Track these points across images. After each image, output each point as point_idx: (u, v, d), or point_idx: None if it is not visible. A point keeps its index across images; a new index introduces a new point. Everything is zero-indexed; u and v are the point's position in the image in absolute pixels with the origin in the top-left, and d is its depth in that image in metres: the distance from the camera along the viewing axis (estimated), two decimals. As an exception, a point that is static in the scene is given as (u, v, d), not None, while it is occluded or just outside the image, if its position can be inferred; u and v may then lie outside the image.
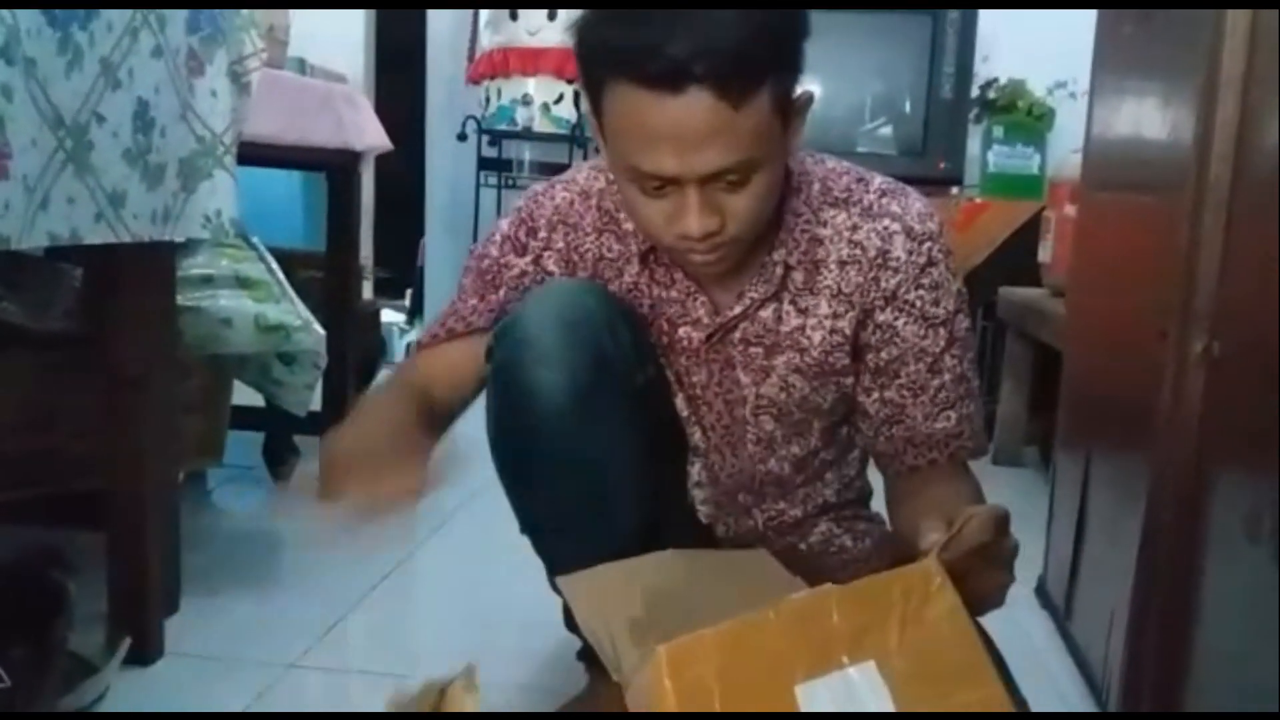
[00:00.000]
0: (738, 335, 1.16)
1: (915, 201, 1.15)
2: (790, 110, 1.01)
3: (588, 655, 1.36)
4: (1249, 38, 1.20)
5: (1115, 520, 1.49)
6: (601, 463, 1.10)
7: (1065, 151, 2.93)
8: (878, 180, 1.16)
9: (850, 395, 1.18)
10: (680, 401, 1.21)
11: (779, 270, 1.12)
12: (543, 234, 1.18)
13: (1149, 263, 1.42)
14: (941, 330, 1.14)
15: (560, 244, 1.18)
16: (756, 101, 0.94)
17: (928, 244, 1.12)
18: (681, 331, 1.16)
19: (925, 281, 1.13)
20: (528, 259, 1.18)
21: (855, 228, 1.13)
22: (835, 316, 1.14)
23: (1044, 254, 2.70)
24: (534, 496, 1.16)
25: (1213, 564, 1.18)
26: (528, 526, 1.20)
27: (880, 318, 1.13)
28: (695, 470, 1.27)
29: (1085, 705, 1.50)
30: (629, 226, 1.15)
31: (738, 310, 1.14)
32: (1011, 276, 2.93)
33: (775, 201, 1.07)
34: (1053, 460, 1.98)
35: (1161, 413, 1.29)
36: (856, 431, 1.23)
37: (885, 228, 1.12)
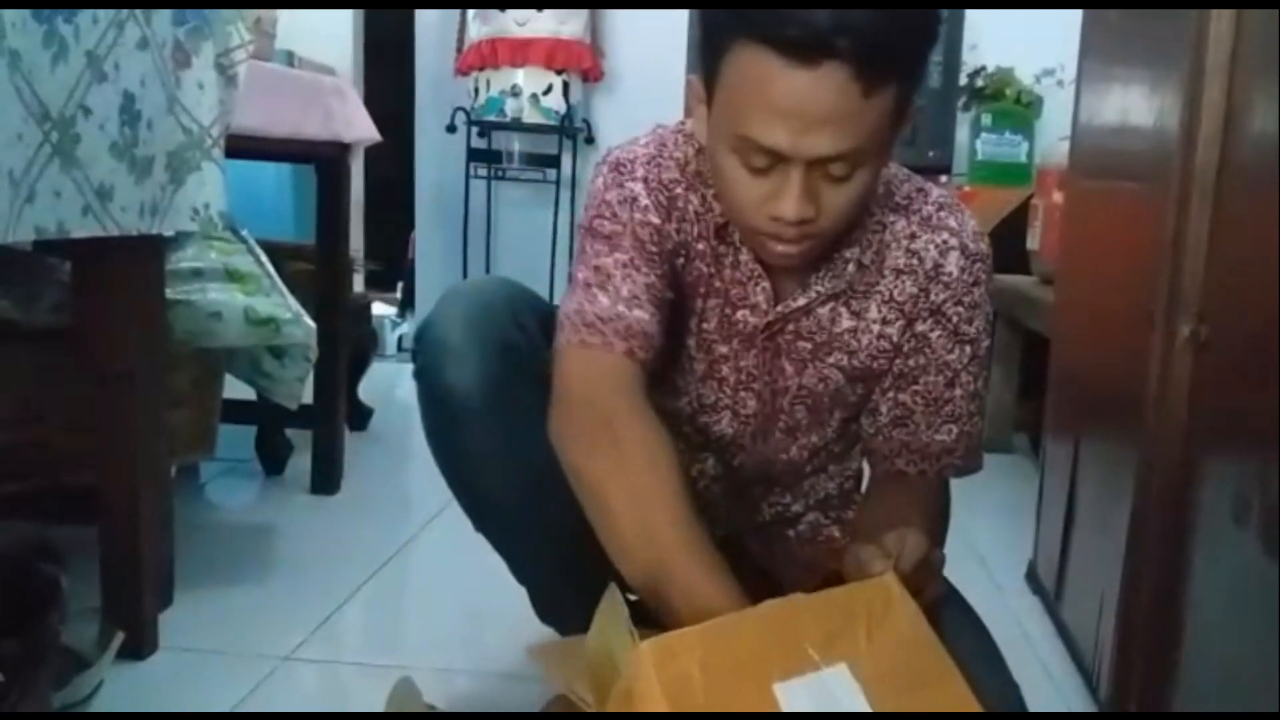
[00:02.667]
0: (791, 327, 1.14)
1: (970, 219, 1.15)
2: (905, 116, 0.97)
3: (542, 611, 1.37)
4: (1234, 24, 1.20)
5: (1104, 505, 1.50)
6: (526, 449, 1.10)
7: (1053, 139, 2.94)
8: (935, 192, 1.16)
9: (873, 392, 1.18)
10: (712, 385, 1.18)
11: (849, 268, 1.11)
12: (680, 204, 1.10)
13: (1137, 249, 1.43)
14: (967, 348, 1.14)
15: (686, 208, 1.10)
16: (885, 94, 0.91)
17: (979, 264, 1.13)
18: (740, 315, 1.13)
19: (967, 300, 1.13)
20: (673, 227, 1.10)
21: (914, 237, 1.12)
22: (885, 323, 1.13)
23: (1032, 241, 2.70)
24: (471, 493, 1.19)
25: (1201, 548, 1.19)
26: (477, 523, 1.23)
27: (919, 328, 1.13)
28: (709, 465, 1.27)
29: (1076, 688, 1.51)
30: (694, 205, 1.11)
31: (802, 302, 1.11)
32: (1000, 264, 2.90)
33: (867, 203, 1.05)
34: (1042, 446, 1.99)
35: (1149, 398, 1.30)
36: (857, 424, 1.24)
37: (944, 241, 1.12)
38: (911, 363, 1.15)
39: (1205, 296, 1.23)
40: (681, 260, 1.12)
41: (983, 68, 3.37)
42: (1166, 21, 1.38)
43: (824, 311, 1.13)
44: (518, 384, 1.10)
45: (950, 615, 1.15)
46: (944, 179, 3.22)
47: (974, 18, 3.27)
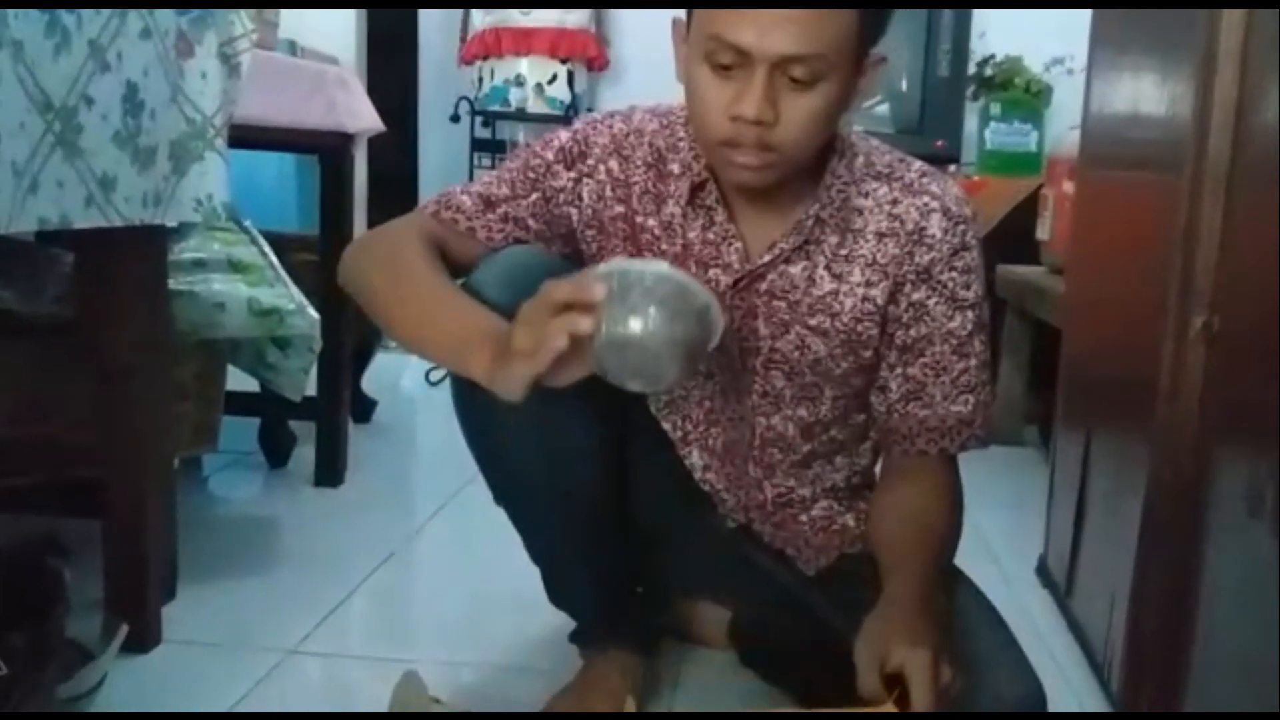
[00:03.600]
0: (764, 286, 1.18)
1: (952, 187, 1.19)
2: (865, 53, 1.05)
3: (580, 637, 1.36)
4: (1246, 13, 1.19)
5: (1116, 497, 1.49)
6: (553, 416, 1.12)
7: (1062, 128, 2.92)
8: (918, 163, 1.20)
9: (867, 369, 1.20)
10: None
11: (809, 223, 1.15)
12: (592, 160, 1.20)
13: (1148, 239, 1.42)
14: (970, 314, 1.18)
15: (603, 174, 1.20)
16: (846, 10, 1.00)
17: (962, 227, 1.16)
18: (711, 273, 1.18)
19: (958, 264, 1.17)
20: (571, 175, 1.20)
21: (895, 201, 1.16)
22: (868, 285, 1.16)
23: (1042, 231, 2.69)
24: (496, 461, 1.20)
25: (1214, 540, 1.18)
26: (498, 494, 1.24)
27: (913, 295, 1.17)
28: (695, 457, 1.27)
29: (1087, 683, 1.50)
30: (674, 168, 1.19)
31: (766, 259, 1.16)
32: (1009, 254, 2.92)
33: (826, 134, 1.09)
34: (1052, 438, 1.98)
35: (1162, 389, 1.29)
36: (870, 411, 1.24)
37: (925, 204, 1.16)
38: (914, 332, 1.17)
39: (1217, 288, 1.22)
40: (653, 223, 1.19)
41: (991, 56, 3.35)
42: (1178, 10, 1.37)
43: (796, 271, 1.17)
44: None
45: (970, 612, 1.15)
46: (952, 168, 3.20)
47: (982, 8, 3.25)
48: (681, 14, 1.11)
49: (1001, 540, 2.05)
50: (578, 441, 1.16)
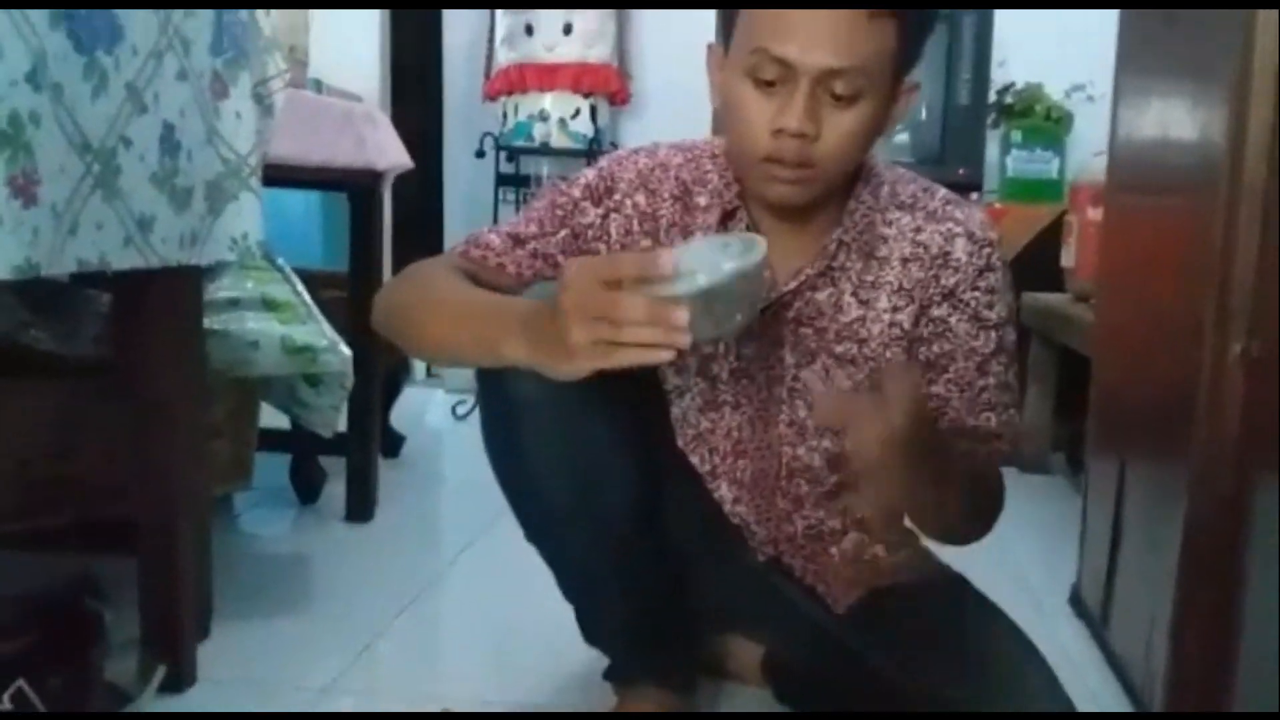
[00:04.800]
0: (791, 314, 1.19)
1: (977, 213, 1.21)
2: (901, 77, 1.08)
3: (614, 674, 1.36)
4: None
5: (1153, 526, 1.47)
6: (586, 452, 1.13)
7: (1084, 155, 2.92)
8: (943, 191, 1.22)
9: None
10: (705, 387, 1.24)
11: (833, 248, 1.17)
12: (618, 195, 1.22)
13: (1181, 263, 1.41)
14: (993, 334, 1.19)
15: (630, 209, 1.21)
16: (885, 24, 1.02)
17: (987, 249, 1.18)
18: None
19: (982, 284, 1.18)
20: (599, 211, 1.22)
21: (919, 229, 1.18)
22: (895, 310, 1.18)
23: (1066, 259, 2.67)
24: (526, 495, 1.20)
25: (1255, 568, 1.17)
26: (529, 532, 1.23)
27: (935, 313, 1.18)
28: (724, 490, 1.27)
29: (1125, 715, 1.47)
30: (700, 200, 1.21)
31: (792, 285, 1.18)
32: (1033, 281, 2.91)
33: (861, 154, 1.12)
34: (1085, 467, 1.96)
35: (1200, 415, 1.27)
36: None
37: (949, 230, 1.18)
38: (936, 349, 1.19)
39: (1256, 312, 1.21)
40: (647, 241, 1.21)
41: (1011, 84, 3.35)
42: (1208, 33, 1.37)
43: (822, 298, 1.19)
44: (582, 385, 1.09)
45: (1005, 642, 1.14)
46: (974, 196, 3.19)
47: (1002, 35, 3.25)
48: (714, 39, 1.14)
49: (1033, 570, 2.03)
50: (613, 479, 1.16)
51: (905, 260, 1.18)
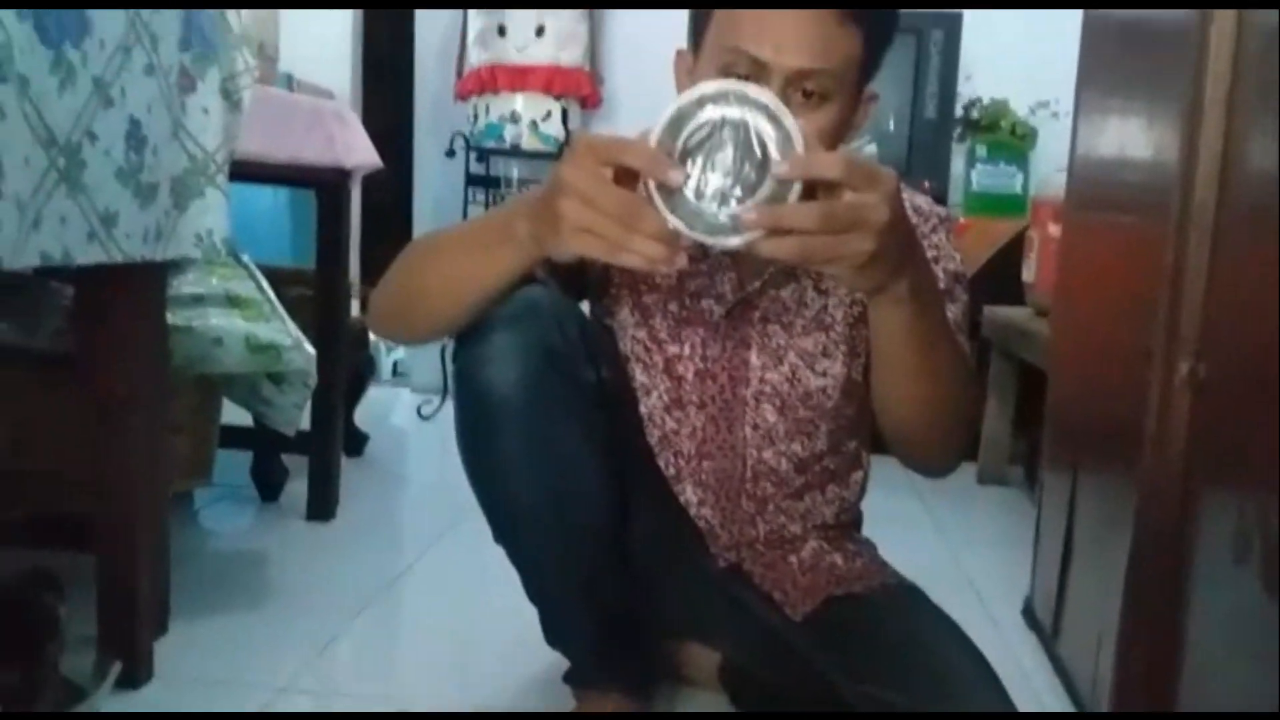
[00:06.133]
0: (758, 314, 1.22)
1: (922, 197, 1.27)
2: (865, 83, 1.12)
3: (575, 677, 1.37)
4: (1233, 60, 1.21)
5: (1103, 541, 1.50)
6: (558, 453, 1.13)
7: (1048, 171, 2.96)
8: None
9: (859, 389, 1.23)
10: (669, 386, 1.26)
11: None
12: None
13: (1134, 283, 1.43)
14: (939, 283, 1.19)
15: None
16: (853, 31, 1.06)
17: (933, 220, 1.25)
18: (704, 303, 1.23)
19: (931, 241, 1.22)
20: None
21: None
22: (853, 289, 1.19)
23: (1028, 273, 2.71)
24: (497, 495, 1.19)
25: (1200, 585, 1.19)
26: (498, 531, 1.22)
27: None
28: (689, 492, 1.28)
29: (1074, 725, 1.50)
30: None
31: (757, 284, 1.21)
32: (994, 295, 2.95)
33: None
34: (1039, 480, 1.99)
35: (1148, 434, 1.30)
36: (859, 435, 1.29)
37: None
38: None
39: (1204, 334, 1.24)
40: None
41: (978, 100, 3.39)
42: (1163, 55, 1.40)
43: (787, 294, 1.22)
44: (557, 387, 1.11)
45: (951, 648, 1.16)
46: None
47: (969, 51, 3.29)
48: (684, 45, 1.15)
49: (987, 581, 2.06)
50: (583, 481, 1.16)
51: None
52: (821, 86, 1.06)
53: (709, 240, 0.90)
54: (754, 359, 1.22)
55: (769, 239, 0.88)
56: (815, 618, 1.28)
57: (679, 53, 1.17)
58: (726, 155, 0.89)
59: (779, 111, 0.90)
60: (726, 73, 1.06)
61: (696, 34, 1.14)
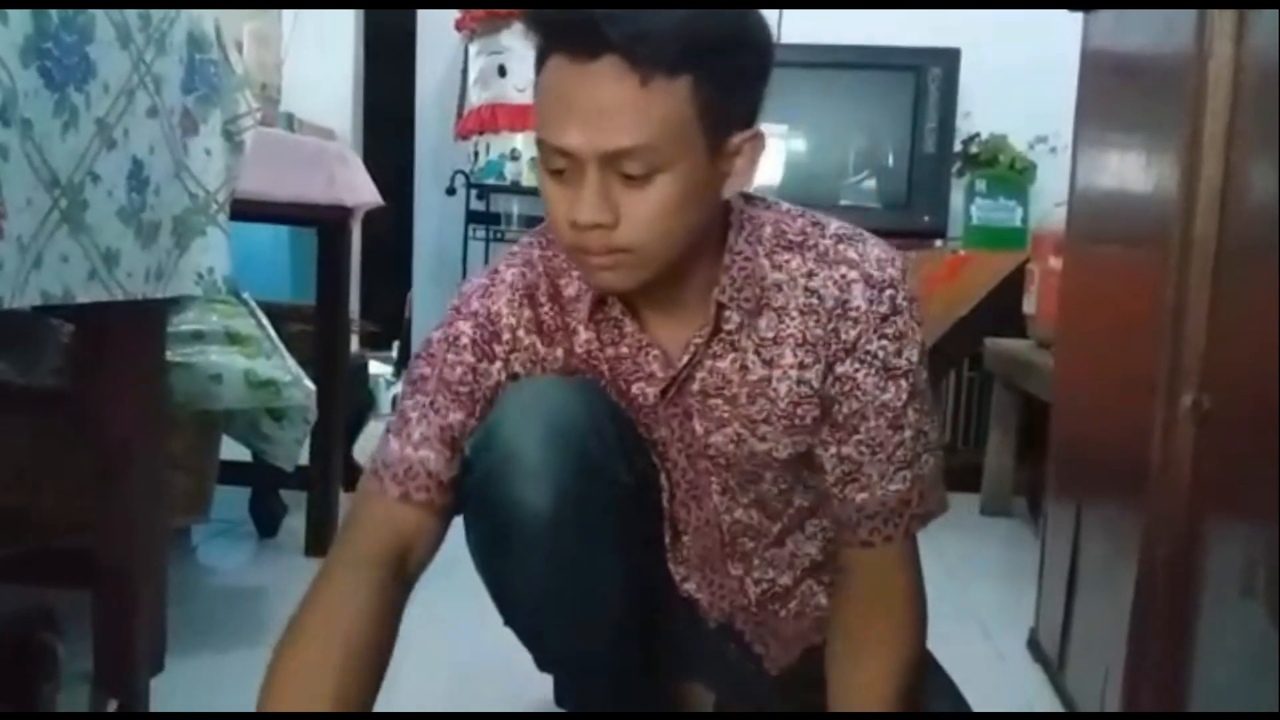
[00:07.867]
0: (696, 387, 1.11)
1: (874, 248, 1.09)
2: (721, 136, 0.97)
3: (566, 697, 1.35)
4: (1231, 94, 1.22)
5: (1108, 573, 1.49)
6: (591, 571, 1.07)
7: (1047, 205, 2.97)
8: (834, 225, 1.11)
9: (810, 453, 1.13)
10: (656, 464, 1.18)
11: (712, 311, 1.07)
12: (506, 336, 1.11)
13: (1136, 316, 1.43)
14: (904, 382, 1.09)
15: (523, 336, 1.11)
16: (668, 88, 0.92)
17: (889, 291, 1.07)
18: (635, 389, 1.12)
19: (888, 331, 1.07)
20: (498, 364, 1.10)
21: (811, 274, 1.08)
22: (802, 367, 1.09)
23: (1029, 306, 2.72)
24: (521, 605, 1.13)
25: (1207, 618, 1.18)
26: (514, 625, 1.16)
27: (840, 369, 1.08)
28: (672, 570, 1.26)
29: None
30: (569, 291, 1.12)
31: (685, 360, 1.09)
32: (996, 327, 2.96)
33: (690, 225, 1.00)
34: (1043, 513, 1.98)
35: (1152, 467, 1.29)
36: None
37: (843, 275, 1.07)
38: (847, 409, 1.09)
39: (1206, 366, 1.24)
40: (573, 359, 1.12)
41: (976, 134, 3.41)
42: (1163, 89, 1.40)
43: (727, 365, 1.09)
44: (593, 508, 1.04)
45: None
46: (939, 243, 3.25)
47: (967, 87, 3.31)
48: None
49: (992, 614, 2.04)
50: (611, 598, 1.11)
51: (803, 312, 1.08)
52: (644, 163, 0.93)
53: None
54: (698, 427, 1.13)
55: None
56: (789, 675, 1.25)
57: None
58: None
59: None
60: (547, 168, 0.98)
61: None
